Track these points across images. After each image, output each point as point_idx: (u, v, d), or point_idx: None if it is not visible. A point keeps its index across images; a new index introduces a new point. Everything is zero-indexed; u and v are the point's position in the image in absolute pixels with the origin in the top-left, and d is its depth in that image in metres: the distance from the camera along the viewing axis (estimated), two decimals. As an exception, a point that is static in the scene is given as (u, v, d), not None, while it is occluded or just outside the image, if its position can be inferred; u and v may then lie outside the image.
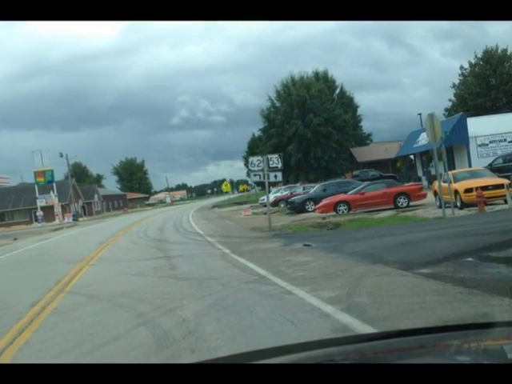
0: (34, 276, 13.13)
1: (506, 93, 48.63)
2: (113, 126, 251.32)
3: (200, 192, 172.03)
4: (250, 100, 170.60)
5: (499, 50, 49.56)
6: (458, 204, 17.47)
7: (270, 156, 19.37)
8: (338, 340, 2.35)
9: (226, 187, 72.97)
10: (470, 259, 8.33)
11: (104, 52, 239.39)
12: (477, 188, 16.93)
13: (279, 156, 19.37)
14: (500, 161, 28.48)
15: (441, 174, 18.46)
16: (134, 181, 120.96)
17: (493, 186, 17.43)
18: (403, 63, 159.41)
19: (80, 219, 61.45)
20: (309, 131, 52.00)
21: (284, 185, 47.32)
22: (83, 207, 76.46)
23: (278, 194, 39.61)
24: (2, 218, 67.60)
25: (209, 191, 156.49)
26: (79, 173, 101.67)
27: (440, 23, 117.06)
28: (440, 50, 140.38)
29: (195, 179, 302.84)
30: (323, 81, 59.40)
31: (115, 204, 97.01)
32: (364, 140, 67.79)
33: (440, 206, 17.18)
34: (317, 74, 61.36)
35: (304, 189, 35.42)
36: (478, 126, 32.87)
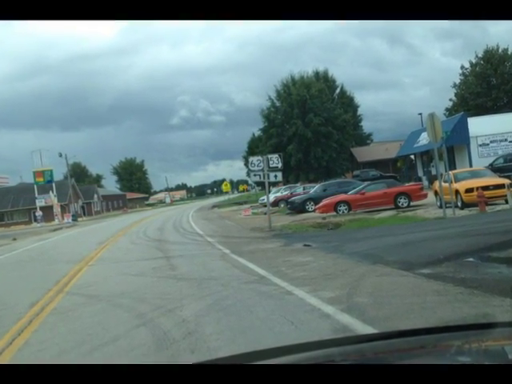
0: (33, 276, 13.12)
1: (507, 92, 48.58)
2: (112, 125, 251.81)
3: (200, 192, 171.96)
4: (250, 100, 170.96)
5: (500, 50, 49.55)
6: (459, 204, 17.46)
7: (270, 156, 19.35)
8: (338, 340, 2.34)
9: (225, 187, 72.91)
10: (471, 259, 8.33)
11: (104, 52, 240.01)
12: (478, 188, 16.91)
13: (279, 156, 19.35)
14: (501, 161, 28.45)
15: (441, 174, 18.45)
16: (134, 181, 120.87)
17: (494, 185, 17.41)
18: (404, 63, 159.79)
19: (79, 219, 61.43)
20: (309, 131, 51.95)
21: (284, 185, 47.27)
22: (83, 207, 76.37)
23: (278, 194, 39.58)
24: (2, 218, 67.48)
25: (209, 191, 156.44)
26: (79, 173, 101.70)
27: (440, 23, 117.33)
28: (441, 50, 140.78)
29: (195, 179, 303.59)
30: (323, 80, 59.38)
31: (115, 204, 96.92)
32: (364, 140, 67.81)
33: (441, 206, 17.16)
34: (317, 74, 61.39)
35: (304, 189, 35.39)
36: (479, 126, 32.83)
